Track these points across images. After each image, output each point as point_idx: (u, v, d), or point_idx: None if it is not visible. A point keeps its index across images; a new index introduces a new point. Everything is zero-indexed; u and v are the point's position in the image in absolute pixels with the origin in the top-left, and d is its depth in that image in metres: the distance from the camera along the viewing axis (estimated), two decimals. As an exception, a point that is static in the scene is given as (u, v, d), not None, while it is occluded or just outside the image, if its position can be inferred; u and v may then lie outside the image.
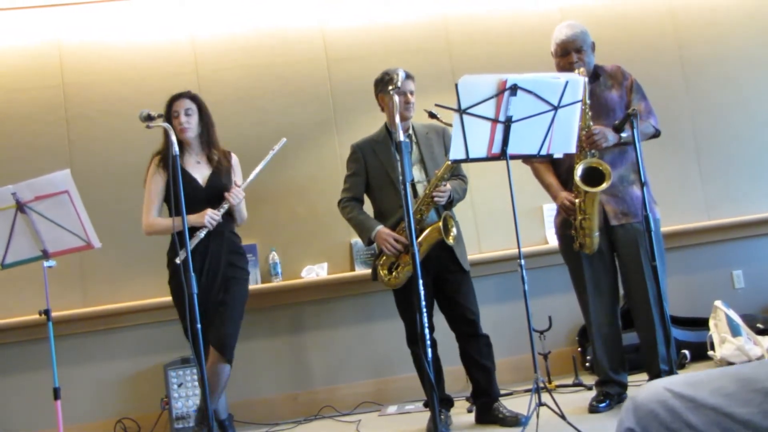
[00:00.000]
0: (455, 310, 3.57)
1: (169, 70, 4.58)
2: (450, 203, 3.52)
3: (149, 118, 3.15)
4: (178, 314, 3.48)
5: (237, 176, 3.65)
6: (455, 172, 3.61)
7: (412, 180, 3.51)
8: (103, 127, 4.50)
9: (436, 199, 3.41)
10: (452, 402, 3.74)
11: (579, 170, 3.30)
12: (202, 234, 3.38)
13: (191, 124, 3.54)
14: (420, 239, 3.39)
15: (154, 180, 3.53)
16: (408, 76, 3.54)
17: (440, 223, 3.40)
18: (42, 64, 4.52)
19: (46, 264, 3.02)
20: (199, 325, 2.82)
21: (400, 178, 3.45)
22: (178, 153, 2.91)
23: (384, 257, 3.52)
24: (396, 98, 2.97)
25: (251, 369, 4.42)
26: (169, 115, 3.51)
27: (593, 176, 3.30)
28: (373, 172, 3.63)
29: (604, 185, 3.27)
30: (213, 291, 3.44)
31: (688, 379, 1.28)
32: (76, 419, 4.16)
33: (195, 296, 2.83)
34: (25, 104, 4.49)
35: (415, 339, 3.48)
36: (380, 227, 3.52)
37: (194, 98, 3.60)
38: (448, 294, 3.57)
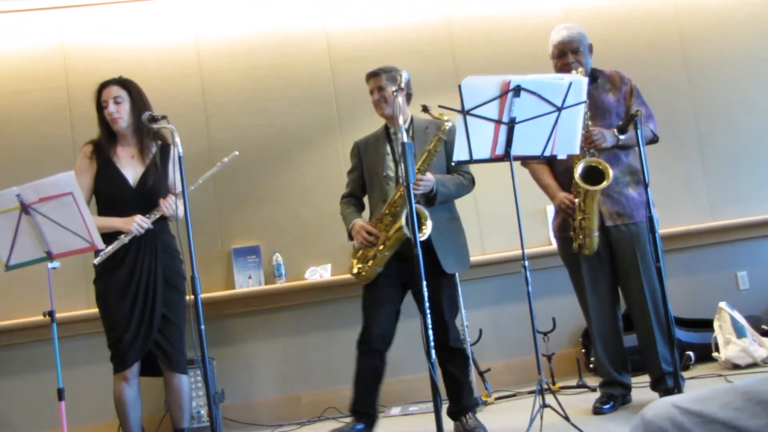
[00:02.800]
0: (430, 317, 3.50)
1: (173, 72, 4.58)
2: (434, 196, 3.35)
3: (153, 119, 3.15)
4: (103, 320, 3.30)
5: (172, 172, 3.26)
6: (462, 169, 3.51)
7: (391, 174, 3.47)
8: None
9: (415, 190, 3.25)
10: (373, 418, 3.49)
11: (579, 169, 3.30)
12: (126, 239, 3.17)
13: (121, 113, 3.28)
14: (390, 232, 3.35)
15: (83, 172, 3.28)
16: (370, 75, 3.53)
17: (402, 219, 3.27)
18: (46, 66, 4.53)
19: (50, 265, 3.02)
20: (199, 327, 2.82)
21: (388, 174, 3.45)
22: (182, 154, 2.91)
23: (359, 252, 3.47)
24: (400, 98, 2.96)
25: (255, 370, 4.43)
26: (99, 105, 3.32)
27: (592, 175, 3.30)
28: (366, 167, 3.61)
29: (605, 183, 3.27)
30: (146, 298, 3.23)
31: (696, 396, 1.29)
32: (80, 420, 4.17)
33: (198, 298, 2.83)
34: (30, 106, 4.50)
35: (361, 340, 3.46)
36: (356, 220, 3.49)
37: (124, 83, 3.33)
38: (418, 301, 3.43)
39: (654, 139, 3.55)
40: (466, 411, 3.46)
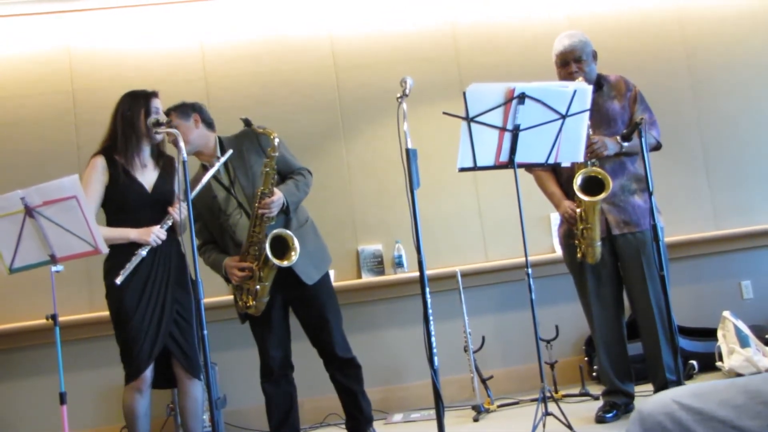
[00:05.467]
0: (307, 332, 3.46)
1: (178, 77, 4.60)
2: (287, 210, 3.30)
3: (158, 124, 3.16)
4: (118, 329, 3.21)
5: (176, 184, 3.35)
6: (287, 168, 3.39)
7: (231, 209, 3.36)
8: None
9: (265, 214, 3.20)
10: None
11: (578, 180, 3.30)
12: (144, 253, 3.12)
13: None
14: (261, 263, 3.24)
15: (97, 179, 3.21)
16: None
17: (267, 244, 3.17)
18: (52, 70, 4.55)
19: (53, 269, 3.02)
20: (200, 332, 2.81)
21: (228, 210, 3.29)
22: (186, 159, 2.91)
23: (236, 289, 3.37)
24: (404, 105, 2.95)
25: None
26: (123, 112, 3.27)
27: (593, 185, 3.29)
28: (205, 216, 3.43)
29: (603, 195, 3.26)
30: (162, 304, 3.18)
31: (695, 390, 1.27)
32: (82, 424, 4.17)
33: (201, 303, 2.83)
34: (35, 109, 4.52)
35: (263, 373, 3.45)
36: (225, 260, 3.36)
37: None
38: (299, 316, 3.46)
39: (657, 146, 3.54)
40: (367, 424, 3.46)
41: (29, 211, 2.87)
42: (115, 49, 4.60)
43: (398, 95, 2.95)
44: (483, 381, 4.14)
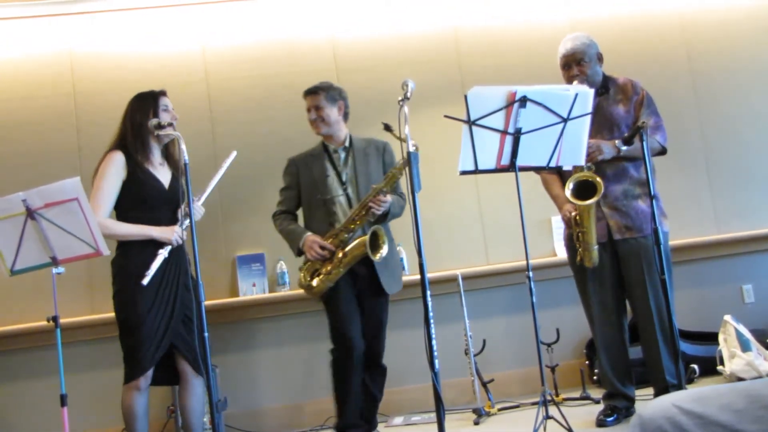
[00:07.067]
0: (365, 335, 3.52)
1: (180, 80, 4.60)
2: (384, 216, 3.45)
3: (159, 126, 3.17)
4: (127, 328, 3.16)
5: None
6: (396, 187, 3.55)
7: (338, 194, 3.51)
8: (114, 136, 4.51)
9: (372, 209, 3.34)
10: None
11: (570, 184, 3.30)
12: (166, 253, 3.11)
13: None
14: (346, 250, 3.39)
15: (116, 173, 3.20)
16: (308, 92, 3.58)
17: (367, 237, 3.34)
18: (54, 73, 4.56)
19: (55, 271, 3.03)
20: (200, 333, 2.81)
21: (336, 196, 3.46)
22: (188, 161, 2.91)
23: (308, 263, 3.49)
24: (405, 108, 2.95)
25: (258, 378, 4.42)
26: (138, 112, 3.29)
27: (588, 189, 3.29)
28: (305, 187, 3.60)
29: (594, 199, 3.26)
30: (172, 305, 3.18)
31: (696, 395, 1.26)
32: (83, 426, 4.16)
33: (203, 305, 2.83)
34: (37, 112, 4.52)
35: (344, 356, 3.45)
36: (308, 233, 3.48)
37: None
38: (363, 316, 3.54)
39: (662, 151, 3.53)
40: (374, 429, 3.60)
41: (30, 213, 2.87)
42: (117, 52, 4.61)
43: (400, 98, 2.95)
44: (484, 384, 4.14)
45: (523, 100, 3.02)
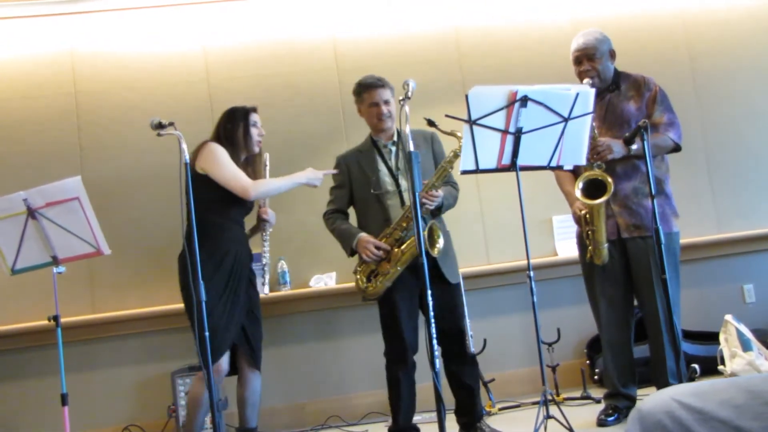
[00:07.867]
0: (439, 324, 3.44)
1: (181, 79, 4.60)
2: (438, 210, 3.40)
3: (160, 126, 3.16)
4: (198, 318, 3.16)
5: None
6: (447, 179, 3.49)
7: (391, 189, 3.46)
8: (114, 135, 4.52)
9: (425, 204, 3.28)
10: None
11: (580, 183, 3.30)
12: (269, 228, 3.56)
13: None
14: (403, 248, 3.32)
15: (231, 164, 3.37)
16: (377, 85, 3.47)
17: (425, 233, 3.26)
18: (55, 72, 4.56)
19: (55, 270, 3.03)
20: (207, 333, 2.82)
21: (389, 190, 3.43)
22: (188, 160, 2.92)
23: (363, 265, 3.42)
24: (406, 108, 2.95)
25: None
26: (240, 120, 3.52)
27: (599, 187, 3.29)
28: (357, 184, 3.54)
29: (604, 198, 3.25)
30: (243, 297, 3.31)
31: (696, 389, 1.26)
32: (84, 425, 4.16)
33: (203, 305, 2.84)
34: (38, 111, 4.52)
35: (396, 358, 3.41)
36: (362, 234, 3.41)
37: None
38: (433, 307, 3.49)
39: (676, 148, 3.52)
40: (480, 418, 3.46)
41: (32, 213, 2.88)
42: (118, 52, 4.61)
43: (401, 98, 2.95)
44: (484, 384, 4.13)
45: (524, 100, 3.01)
